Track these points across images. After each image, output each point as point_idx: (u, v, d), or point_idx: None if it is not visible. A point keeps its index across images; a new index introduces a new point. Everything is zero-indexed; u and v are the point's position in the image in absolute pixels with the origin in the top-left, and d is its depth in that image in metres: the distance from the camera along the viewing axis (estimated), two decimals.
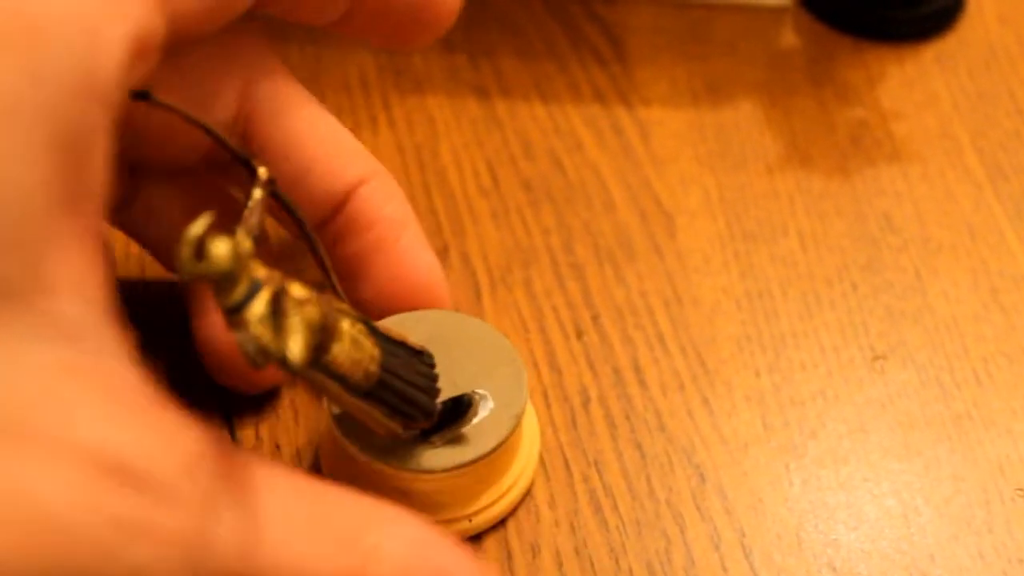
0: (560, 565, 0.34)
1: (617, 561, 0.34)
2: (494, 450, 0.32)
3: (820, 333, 0.38)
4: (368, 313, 0.34)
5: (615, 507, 0.35)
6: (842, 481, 0.35)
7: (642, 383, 0.37)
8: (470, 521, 0.34)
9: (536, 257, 0.39)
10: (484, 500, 0.34)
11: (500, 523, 0.34)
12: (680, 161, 0.42)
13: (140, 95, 0.29)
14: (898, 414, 0.37)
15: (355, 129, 0.42)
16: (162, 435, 0.25)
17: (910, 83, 0.44)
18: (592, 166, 0.42)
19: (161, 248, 0.36)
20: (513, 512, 0.34)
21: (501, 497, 0.34)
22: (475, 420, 0.32)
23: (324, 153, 0.34)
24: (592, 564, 0.34)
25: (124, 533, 0.23)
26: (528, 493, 0.35)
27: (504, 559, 0.34)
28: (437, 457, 0.32)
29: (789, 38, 0.46)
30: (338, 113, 0.43)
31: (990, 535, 0.34)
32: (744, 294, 0.39)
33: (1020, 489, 0.35)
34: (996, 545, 0.34)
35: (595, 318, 0.38)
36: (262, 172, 0.30)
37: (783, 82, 0.44)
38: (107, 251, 0.27)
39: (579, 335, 0.38)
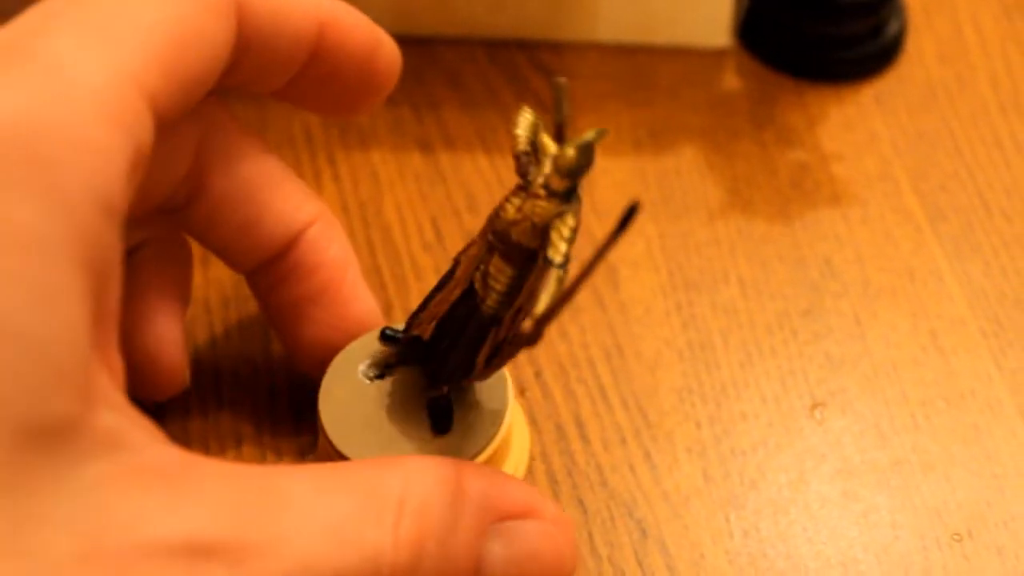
0: None
1: None
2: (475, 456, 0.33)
3: (761, 382, 0.39)
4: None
5: None
6: (781, 532, 0.36)
7: (584, 438, 0.37)
8: None
9: None
10: None
11: None
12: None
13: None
14: (836, 462, 0.37)
15: None
16: (221, 500, 0.27)
17: (850, 124, 0.45)
18: None
19: (225, 244, 0.36)
20: None
21: None
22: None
23: (275, 198, 0.35)
24: None
25: None
26: None
27: None
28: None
29: (731, 81, 0.46)
30: None
31: None
32: (686, 345, 0.39)
33: (957, 535, 0.36)
34: None
35: (537, 374, 0.39)
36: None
37: (725, 126, 0.45)
38: (119, 353, 0.29)
39: (522, 391, 0.38)
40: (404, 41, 0.46)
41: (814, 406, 0.38)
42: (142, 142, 0.28)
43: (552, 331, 0.39)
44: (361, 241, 0.41)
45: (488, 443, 0.34)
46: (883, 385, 0.39)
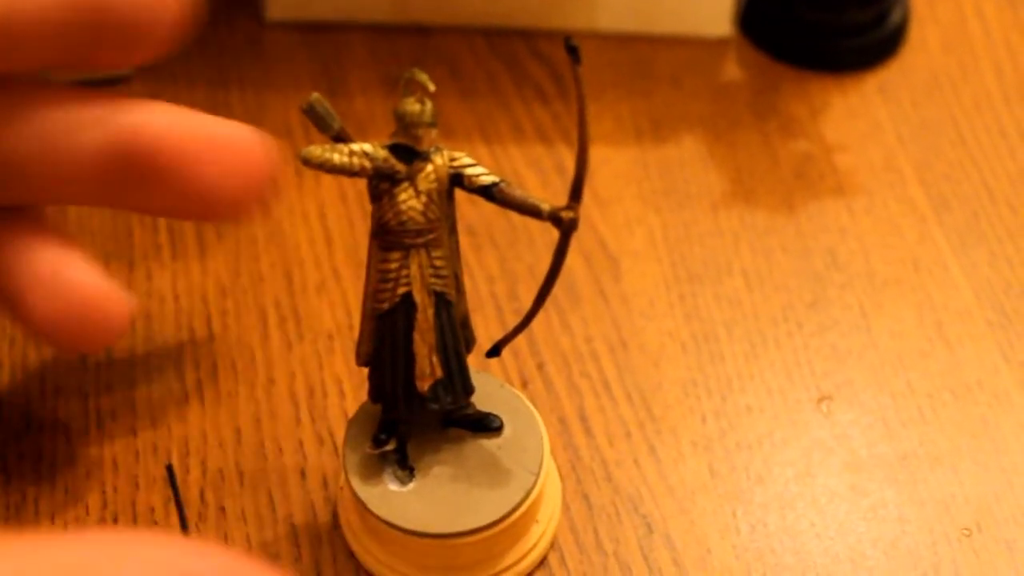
0: None
1: None
2: (506, 517, 0.32)
3: (766, 375, 0.38)
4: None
5: (563, 561, 0.35)
6: (789, 526, 0.35)
7: (588, 432, 0.37)
8: None
9: (480, 304, 0.39)
10: (508, 560, 0.34)
11: None
12: (624, 200, 0.42)
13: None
14: (844, 455, 0.37)
15: (297, 175, 0.42)
16: None
17: (854, 114, 0.44)
18: None
19: None
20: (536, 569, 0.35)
21: (524, 556, 0.34)
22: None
23: None
24: None
25: None
26: (550, 549, 0.35)
27: None
28: (456, 520, 0.32)
29: (733, 70, 0.46)
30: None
31: None
32: (690, 337, 0.39)
33: (966, 529, 0.35)
34: None
35: (540, 366, 0.38)
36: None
37: (727, 116, 0.44)
38: None
39: (524, 384, 0.38)
40: (403, 30, 0.45)
41: (821, 399, 0.38)
42: None
43: (554, 323, 0.39)
44: (361, 231, 0.41)
45: (541, 429, 0.34)
46: (889, 377, 0.38)
